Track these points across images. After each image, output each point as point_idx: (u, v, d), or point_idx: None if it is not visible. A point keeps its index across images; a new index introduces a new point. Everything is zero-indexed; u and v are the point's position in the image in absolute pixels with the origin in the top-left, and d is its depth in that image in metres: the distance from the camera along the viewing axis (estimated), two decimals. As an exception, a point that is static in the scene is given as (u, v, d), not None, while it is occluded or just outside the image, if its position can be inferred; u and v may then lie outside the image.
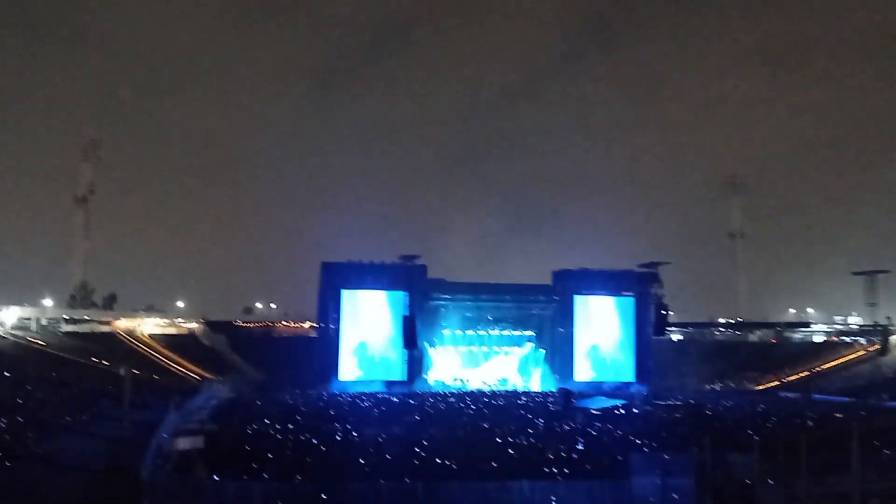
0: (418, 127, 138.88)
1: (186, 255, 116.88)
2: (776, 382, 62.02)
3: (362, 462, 22.72)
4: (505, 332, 61.14)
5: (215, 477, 20.48)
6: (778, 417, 36.01)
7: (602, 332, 62.48)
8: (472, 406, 41.73)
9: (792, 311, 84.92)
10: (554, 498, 19.36)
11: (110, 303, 79.65)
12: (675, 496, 20.33)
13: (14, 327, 60.46)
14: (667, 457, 21.93)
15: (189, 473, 21.47)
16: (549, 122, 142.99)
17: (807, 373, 63.30)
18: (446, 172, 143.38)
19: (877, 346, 58.89)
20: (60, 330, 65.37)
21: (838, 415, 36.65)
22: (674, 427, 32.11)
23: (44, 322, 65.30)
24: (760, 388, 60.72)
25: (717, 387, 60.73)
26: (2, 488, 21.15)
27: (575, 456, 24.59)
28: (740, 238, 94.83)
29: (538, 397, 49.00)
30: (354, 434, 28.77)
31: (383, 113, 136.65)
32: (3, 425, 28.48)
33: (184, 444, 25.21)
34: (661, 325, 60.10)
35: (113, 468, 24.97)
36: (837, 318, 79.75)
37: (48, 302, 68.67)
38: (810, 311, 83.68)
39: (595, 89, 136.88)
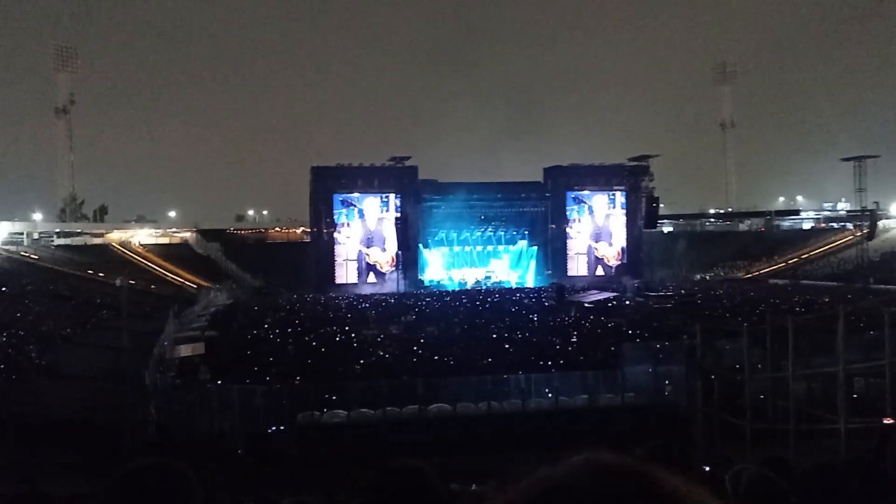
0: (407, 27, 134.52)
1: (174, 164, 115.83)
2: (765, 270, 63.07)
3: (362, 362, 23.16)
4: (498, 231, 61.37)
5: (218, 381, 20.89)
6: (766, 304, 36.69)
7: (593, 226, 62.90)
8: (468, 304, 42.32)
9: (781, 199, 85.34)
10: (549, 389, 19.91)
11: (101, 215, 79.19)
12: (667, 382, 20.94)
13: (6, 242, 60.25)
14: (658, 345, 22.45)
15: (192, 379, 21.89)
16: (539, 18, 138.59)
17: (795, 259, 64.28)
18: (436, 73, 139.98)
19: (864, 232, 59.50)
20: (53, 244, 65.22)
21: (825, 299, 37.39)
22: (665, 317, 32.73)
23: (35, 236, 65.04)
24: (750, 276, 61.80)
25: (708, 276, 61.73)
26: (9, 399, 21.59)
27: (569, 348, 25.13)
28: (731, 128, 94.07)
29: (532, 293, 49.69)
30: (353, 335, 29.23)
31: (371, 12, 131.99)
32: (4, 339, 28.83)
33: (185, 350, 25.61)
34: (652, 217, 60.30)
35: (116, 376, 25.45)
36: (826, 205, 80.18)
37: (38, 216, 68.21)
38: (800, 198, 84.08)
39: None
